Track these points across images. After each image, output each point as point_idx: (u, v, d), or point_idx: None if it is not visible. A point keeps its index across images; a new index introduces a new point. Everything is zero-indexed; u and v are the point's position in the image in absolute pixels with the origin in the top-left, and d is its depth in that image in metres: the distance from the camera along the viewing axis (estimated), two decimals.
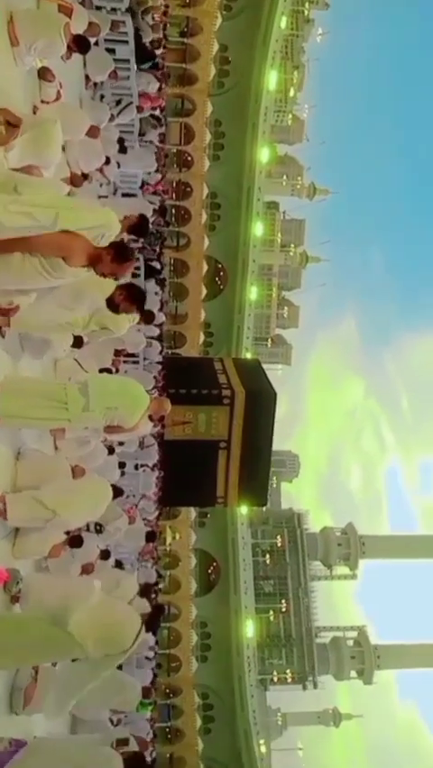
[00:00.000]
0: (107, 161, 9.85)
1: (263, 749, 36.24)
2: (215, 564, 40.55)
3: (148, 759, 8.05)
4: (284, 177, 52.36)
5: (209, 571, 40.67)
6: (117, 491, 11.45)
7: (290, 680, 44.72)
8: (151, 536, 14.44)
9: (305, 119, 53.00)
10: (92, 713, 7.31)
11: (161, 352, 17.76)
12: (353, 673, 46.21)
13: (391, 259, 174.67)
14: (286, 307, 69.25)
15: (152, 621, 5.69)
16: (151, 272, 15.66)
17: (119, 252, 4.08)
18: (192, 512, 38.50)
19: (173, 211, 37.64)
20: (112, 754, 4.77)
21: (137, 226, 4.53)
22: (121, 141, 11.93)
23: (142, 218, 4.58)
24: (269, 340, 64.66)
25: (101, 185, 10.84)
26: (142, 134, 14.30)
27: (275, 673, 44.27)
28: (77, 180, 7.72)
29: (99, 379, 6.07)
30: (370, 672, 46.03)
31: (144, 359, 16.01)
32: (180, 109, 37.64)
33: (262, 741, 36.30)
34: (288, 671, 44.88)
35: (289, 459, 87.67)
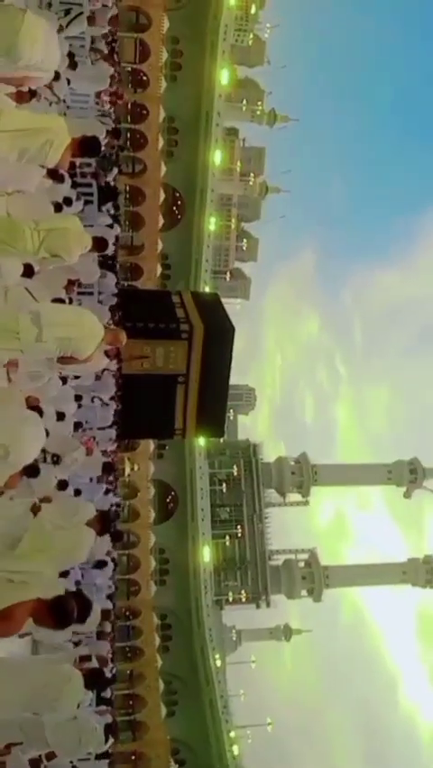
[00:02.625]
0: (57, 77, 9.33)
1: (219, 663, 38.50)
2: (173, 494, 41.62)
3: (108, 675, 8.46)
4: (244, 101, 50.57)
5: (167, 500, 41.77)
6: (75, 424, 11.42)
7: (244, 599, 47.21)
8: (108, 467, 14.60)
9: (266, 40, 50.86)
10: (53, 636, 7.56)
11: (116, 284, 17.43)
12: (303, 592, 48.99)
13: (351, 191, 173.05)
14: (245, 240, 68.39)
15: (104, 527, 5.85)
16: (105, 196, 15.11)
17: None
18: (151, 444, 39.03)
19: (128, 135, 36.16)
20: (72, 671, 4.98)
21: (87, 144, 4.35)
22: (71, 55, 11.26)
23: (93, 137, 4.40)
24: (227, 273, 64.13)
25: (50, 104, 10.30)
26: (93, 49, 13.54)
27: (230, 594, 46.54)
28: (23, 96, 7.29)
29: (52, 308, 5.94)
30: (319, 590, 48.84)
31: (99, 292, 15.71)
32: (135, 23, 35.61)
33: (217, 656, 38.54)
34: (242, 591, 47.28)
35: (245, 392, 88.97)
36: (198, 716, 36.30)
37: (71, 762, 7.94)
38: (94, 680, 5.32)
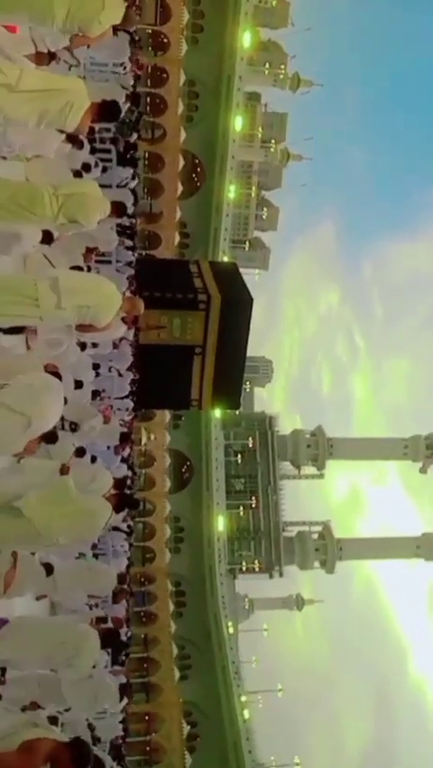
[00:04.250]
0: None
1: (231, 630, 39.29)
2: (188, 464, 42.05)
3: (123, 637, 8.71)
4: (266, 65, 49.42)
5: (183, 470, 42.23)
6: (93, 393, 11.53)
7: (257, 569, 47.94)
8: (125, 437, 14.76)
9: (290, 1, 49.49)
10: (70, 598, 7.76)
11: (134, 253, 17.37)
12: (316, 564, 49.57)
13: (374, 160, 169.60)
14: (265, 208, 67.55)
15: (122, 504, 5.97)
16: (124, 159, 14.97)
17: None
18: (167, 414, 39.30)
19: (148, 99, 35.65)
20: (89, 630, 5.15)
21: (106, 109, 4.34)
22: None
23: (113, 101, 4.38)
24: (247, 243, 63.51)
25: (69, 67, 10.17)
26: None
27: (244, 563, 47.24)
28: (42, 59, 7.24)
29: (71, 275, 5.97)
30: (332, 562, 49.38)
31: (117, 260, 15.69)
32: None
33: (230, 623, 39.33)
34: (256, 561, 47.97)
35: (262, 364, 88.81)
36: (211, 680, 37.18)
37: (87, 718, 8.22)
38: (109, 640, 5.50)
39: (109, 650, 6.82)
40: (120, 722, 12.50)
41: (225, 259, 38.59)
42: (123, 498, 5.99)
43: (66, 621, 6.85)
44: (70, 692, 6.29)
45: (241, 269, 25.15)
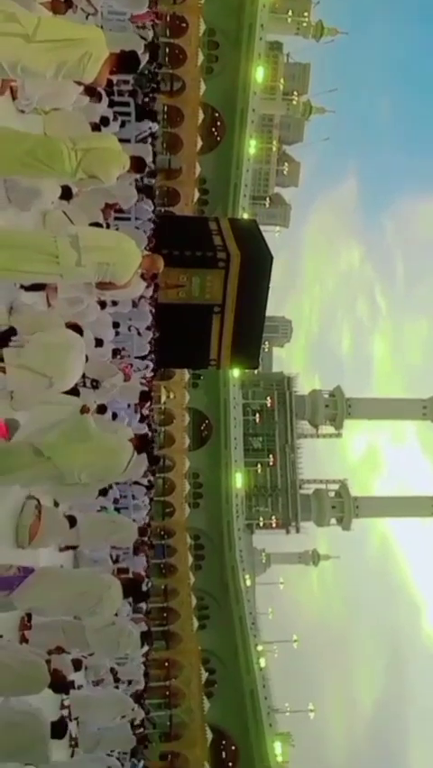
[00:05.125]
0: None
1: (248, 583, 40.19)
2: (207, 422, 42.41)
3: (144, 588, 8.98)
4: (289, 12, 47.64)
5: (202, 427, 42.61)
6: (113, 351, 11.58)
7: (274, 525, 48.67)
8: (145, 395, 14.88)
9: None
10: (93, 550, 8.00)
11: (153, 210, 17.18)
12: (333, 521, 50.18)
13: (399, 113, 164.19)
14: (286, 163, 66.05)
15: (143, 446, 6.09)
16: (143, 112, 14.70)
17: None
18: (186, 373, 39.45)
19: (166, 50, 34.69)
20: (111, 580, 5.32)
21: (125, 60, 4.23)
22: None
23: (131, 52, 4.28)
24: (267, 199, 62.36)
25: (87, 16, 9.91)
26: None
27: (261, 519, 47.97)
28: (58, 7, 7.07)
29: (91, 232, 5.94)
30: (349, 519, 49.94)
31: (136, 217, 15.55)
32: None
33: (247, 576, 40.22)
34: (273, 517, 48.68)
35: (281, 324, 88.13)
36: (228, 630, 38.22)
37: (109, 663, 8.54)
38: (131, 589, 5.67)
39: (131, 599, 7.04)
40: (140, 668, 12.95)
41: (245, 216, 37.99)
42: (144, 442, 6.07)
43: (89, 571, 7.06)
44: (94, 638, 6.53)
45: (261, 227, 24.80)
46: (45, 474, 5.29)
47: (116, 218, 12.63)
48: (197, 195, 38.43)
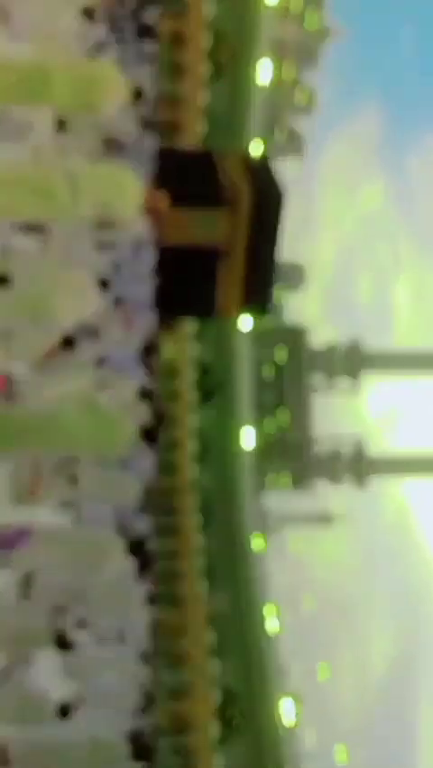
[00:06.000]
0: None
1: (258, 543, 41.06)
2: (214, 376, 42.54)
3: (148, 547, 9.21)
4: None
5: (208, 382, 42.76)
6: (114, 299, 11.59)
7: (285, 484, 49.39)
8: (148, 347, 14.91)
9: None
10: (95, 508, 8.17)
11: (155, 144, 16.88)
12: (347, 479, 50.90)
13: (426, 36, 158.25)
14: (300, 92, 64.24)
15: (154, 431, 6.18)
16: (143, 31, 14.32)
17: None
18: (192, 324, 39.30)
19: None
20: (114, 538, 5.47)
21: None
22: None
23: None
24: (279, 131, 60.93)
25: None
26: None
27: (272, 478, 48.64)
28: None
29: (88, 167, 5.89)
30: (364, 477, 50.62)
31: (136, 153, 15.28)
32: None
33: (256, 537, 41.07)
34: (284, 476, 49.35)
35: (294, 270, 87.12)
36: (236, 592, 39.23)
37: (114, 623, 8.84)
38: (135, 548, 5.84)
39: (135, 558, 7.24)
40: (146, 628, 13.36)
41: (256, 149, 37.28)
42: (152, 434, 6.16)
43: (91, 529, 7.25)
44: (97, 598, 6.75)
45: (273, 162, 24.38)
46: (49, 443, 5.39)
47: (115, 153, 12.42)
48: (202, 127, 37.63)
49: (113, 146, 10.90)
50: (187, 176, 20.27)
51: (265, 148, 42.35)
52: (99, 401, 6.04)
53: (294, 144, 68.22)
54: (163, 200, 5.80)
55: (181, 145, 36.70)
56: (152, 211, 5.83)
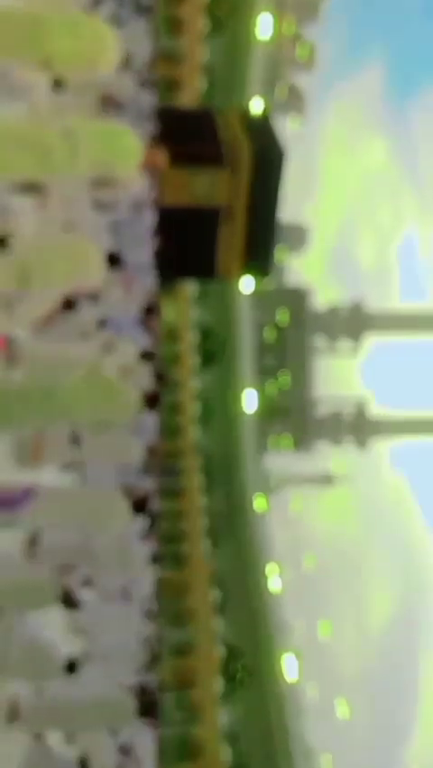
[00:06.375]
0: None
1: (259, 505, 41.58)
2: (216, 339, 42.51)
3: (153, 507, 9.33)
4: None
5: (210, 345, 42.75)
6: (114, 260, 11.49)
7: (286, 445, 49.79)
8: (149, 309, 14.83)
9: None
10: (99, 468, 8.22)
11: (153, 102, 16.57)
12: (349, 440, 51.23)
13: None
14: (302, 47, 62.71)
15: (156, 397, 6.20)
16: None
17: None
18: (192, 286, 39.10)
19: None
20: (119, 497, 5.53)
21: None
22: None
23: None
24: (280, 88, 59.71)
25: None
26: None
27: (273, 440, 48.98)
28: None
29: (86, 123, 5.77)
30: (365, 439, 50.94)
31: (134, 110, 15.00)
32: None
33: (258, 498, 41.57)
34: (285, 437, 49.69)
35: (296, 232, 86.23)
36: (239, 551, 39.84)
37: (119, 581, 8.98)
38: (139, 507, 5.91)
39: (139, 517, 7.32)
40: (151, 586, 13.59)
41: (256, 107, 36.60)
42: (154, 396, 6.17)
43: (96, 488, 7.32)
44: (102, 557, 6.85)
45: (274, 120, 23.98)
46: (49, 414, 5.39)
47: (113, 111, 12.18)
48: (202, 84, 36.86)
49: (111, 104, 10.68)
50: (186, 134, 19.93)
51: (266, 105, 41.55)
52: (101, 365, 6.02)
53: (295, 101, 66.83)
54: (163, 158, 5.70)
55: (180, 103, 36.05)
56: (151, 169, 5.75)
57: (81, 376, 5.66)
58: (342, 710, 44.77)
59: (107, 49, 5.60)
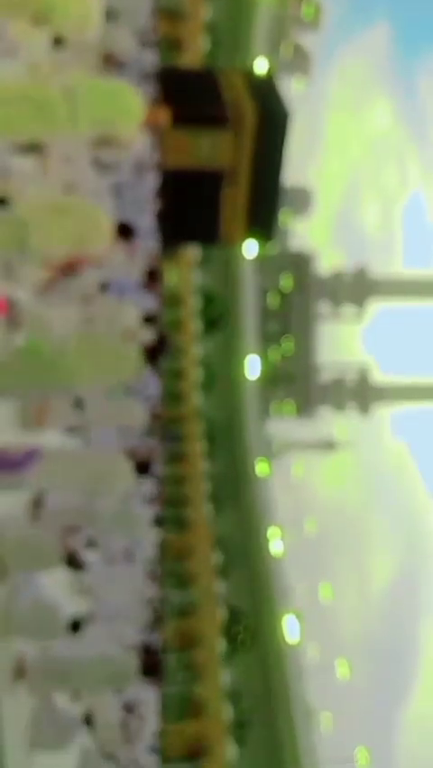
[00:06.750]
0: None
1: (262, 469, 41.89)
2: (218, 304, 42.32)
3: (155, 471, 9.43)
4: None
5: (213, 311, 42.58)
6: (126, 230, 11.37)
7: (289, 411, 49.95)
8: (151, 273, 14.73)
9: None
10: (102, 432, 8.28)
11: (155, 62, 16.24)
12: (351, 405, 51.34)
13: None
14: (307, 6, 61.10)
15: (157, 350, 6.18)
16: None
17: None
18: (195, 251, 38.75)
19: None
20: (122, 460, 5.57)
21: None
22: None
23: None
24: (285, 48, 58.36)
25: None
26: None
27: (275, 405, 49.10)
28: None
29: (87, 82, 5.65)
30: (368, 405, 51.03)
31: (136, 70, 14.71)
32: None
33: (260, 462, 41.89)
34: (288, 402, 49.83)
35: (301, 195, 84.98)
36: (241, 515, 40.27)
37: (123, 543, 9.10)
38: (142, 469, 5.96)
39: (142, 479, 7.38)
40: (154, 548, 13.76)
41: (260, 67, 35.80)
42: (156, 349, 6.14)
43: (99, 451, 7.36)
44: (105, 518, 6.92)
45: (278, 81, 23.51)
46: (50, 379, 5.38)
47: (115, 70, 11.95)
48: (204, 44, 36.04)
49: (112, 63, 10.48)
50: (189, 95, 19.54)
51: (270, 65, 40.65)
52: (103, 329, 6.00)
53: (300, 61, 65.33)
54: (165, 116, 5.58)
55: (183, 63, 35.28)
56: (153, 128, 5.64)
57: (84, 341, 5.64)
58: (342, 671, 45.62)
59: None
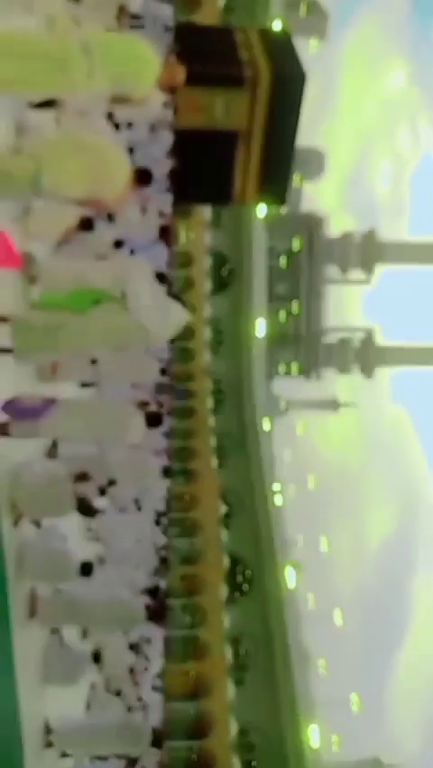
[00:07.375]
0: None
1: (266, 426, 42.12)
2: (229, 265, 41.99)
3: (164, 424, 9.50)
4: None
5: (223, 271, 42.27)
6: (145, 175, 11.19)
7: (295, 372, 49.96)
8: (165, 231, 14.56)
9: None
10: (114, 385, 8.32)
11: (172, 18, 15.76)
12: (355, 368, 51.23)
13: None
14: None
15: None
16: None
17: None
18: (207, 211, 38.27)
19: None
20: (134, 410, 5.61)
21: None
22: None
23: None
24: (302, 7, 56.43)
25: None
26: None
27: (282, 366, 49.08)
28: None
29: (104, 37, 5.49)
30: (372, 367, 50.90)
31: (152, 24, 14.31)
32: None
33: (265, 420, 42.13)
34: (294, 364, 49.79)
35: (313, 157, 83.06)
36: (246, 469, 40.72)
37: (133, 492, 9.23)
38: (153, 421, 6.01)
39: (153, 431, 7.45)
40: (162, 498, 13.96)
41: (277, 26, 34.69)
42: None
43: (111, 402, 7.41)
44: (117, 467, 7.02)
45: (295, 40, 22.72)
46: (64, 346, 5.34)
47: (131, 26, 11.63)
48: (221, 1, 34.93)
49: (127, 17, 10.18)
50: (204, 53, 18.90)
51: (287, 24, 39.34)
52: (121, 297, 5.91)
53: (317, 21, 63.16)
54: (181, 75, 5.42)
55: (199, 20, 34.18)
56: (169, 85, 5.48)
57: (98, 303, 5.56)
58: (338, 619, 46.57)
59: None
